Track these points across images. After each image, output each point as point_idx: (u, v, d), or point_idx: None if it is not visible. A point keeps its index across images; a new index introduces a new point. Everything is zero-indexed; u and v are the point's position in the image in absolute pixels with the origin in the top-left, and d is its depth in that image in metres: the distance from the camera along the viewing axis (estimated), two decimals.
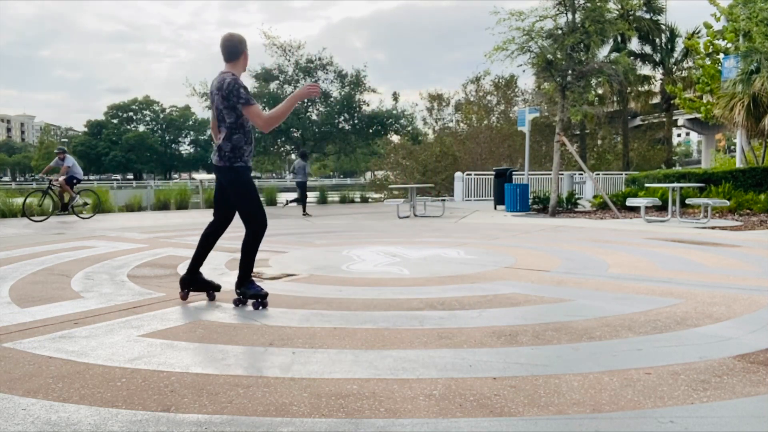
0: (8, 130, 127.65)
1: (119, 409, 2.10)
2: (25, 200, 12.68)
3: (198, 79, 30.10)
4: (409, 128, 21.53)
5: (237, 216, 3.78)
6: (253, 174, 3.82)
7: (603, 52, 24.05)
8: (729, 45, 16.13)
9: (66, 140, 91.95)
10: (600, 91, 26.95)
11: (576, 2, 11.56)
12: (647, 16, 28.05)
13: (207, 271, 5.20)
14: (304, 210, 14.05)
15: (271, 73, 19.23)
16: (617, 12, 12.91)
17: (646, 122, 33.38)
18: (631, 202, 10.91)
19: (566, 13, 11.69)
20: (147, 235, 8.34)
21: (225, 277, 4.82)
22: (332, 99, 19.57)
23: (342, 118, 19.79)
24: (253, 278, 3.79)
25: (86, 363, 2.63)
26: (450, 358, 2.67)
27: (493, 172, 16.43)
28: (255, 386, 2.32)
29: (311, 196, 22.82)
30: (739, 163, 15.57)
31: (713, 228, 8.90)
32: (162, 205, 16.40)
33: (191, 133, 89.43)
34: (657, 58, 29.06)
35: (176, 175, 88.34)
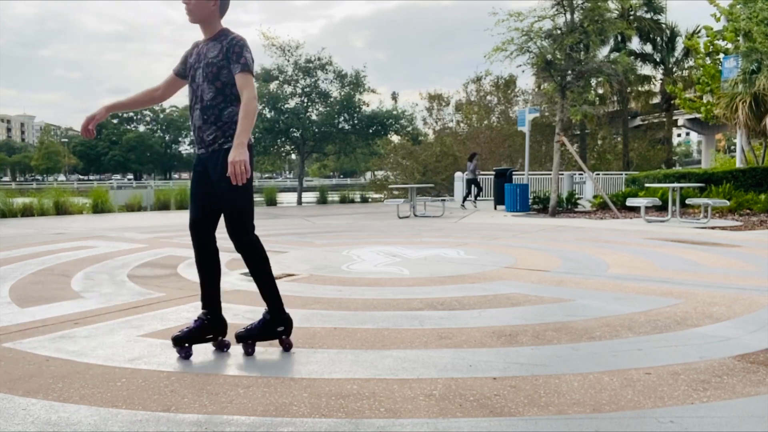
0: (8, 130, 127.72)
1: (119, 409, 2.10)
2: None
3: None
4: (409, 128, 21.52)
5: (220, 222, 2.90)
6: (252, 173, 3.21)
7: (603, 51, 24.11)
8: (729, 45, 16.13)
9: (66, 140, 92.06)
10: (600, 91, 27.00)
11: (575, 2, 11.55)
12: (647, 15, 28.05)
13: None
14: (463, 202, 16.30)
15: (270, 73, 19.23)
16: (617, 11, 12.91)
17: (646, 122, 33.40)
18: (631, 202, 10.91)
19: (565, 13, 11.69)
20: (147, 235, 8.34)
21: (225, 277, 4.81)
22: (332, 99, 19.57)
23: (342, 118, 19.79)
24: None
25: (86, 363, 2.62)
26: (450, 358, 2.67)
27: (493, 173, 16.44)
28: (255, 386, 2.32)
29: (311, 196, 22.84)
30: (739, 163, 15.57)
31: (713, 228, 8.90)
32: (162, 205, 16.41)
33: (191, 133, 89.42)
34: (657, 57, 29.08)
35: (176, 175, 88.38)
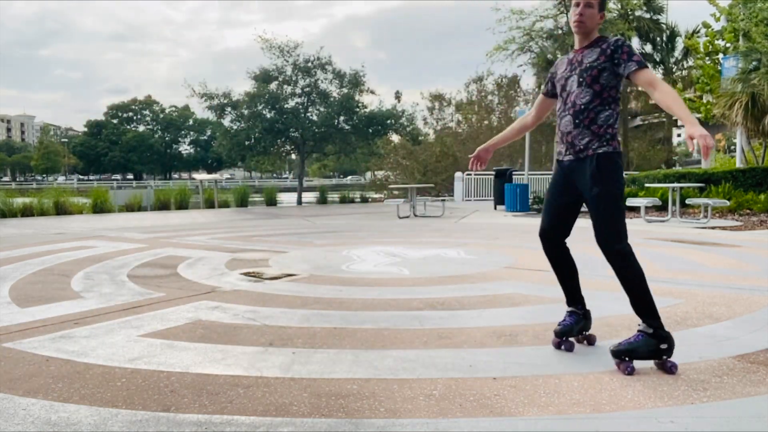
0: (8, 130, 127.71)
1: (119, 409, 2.10)
2: None
3: (197, 80, 30.21)
4: (410, 128, 21.51)
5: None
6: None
7: None
8: (728, 45, 16.13)
9: (66, 140, 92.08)
10: None
11: None
12: (647, 15, 28.04)
13: (207, 271, 5.20)
14: None
15: (270, 74, 19.24)
16: (617, 12, 12.92)
17: (646, 122, 33.38)
18: (631, 202, 10.90)
19: (567, 13, 11.69)
20: (147, 235, 8.34)
21: (225, 277, 4.82)
22: (331, 99, 19.58)
23: (341, 118, 19.80)
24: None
25: (86, 363, 2.63)
26: (450, 358, 2.67)
27: (493, 172, 16.43)
28: (255, 386, 2.32)
29: (311, 196, 22.85)
30: (739, 163, 15.56)
31: (713, 228, 8.90)
32: (162, 205, 16.40)
33: (191, 133, 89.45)
34: (657, 57, 29.04)
35: (176, 175, 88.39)
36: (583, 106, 2.64)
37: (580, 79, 2.66)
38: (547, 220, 2.81)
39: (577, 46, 2.77)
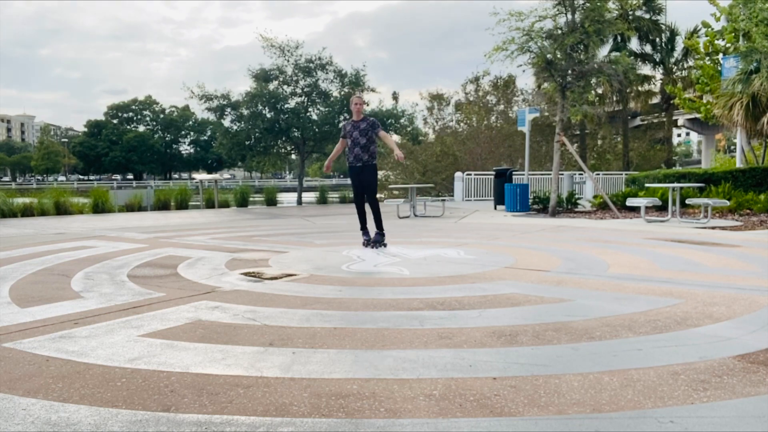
0: (8, 130, 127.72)
1: (119, 409, 2.10)
2: None
3: (197, 79, 30.26)
4: (410, 128, 21.49)
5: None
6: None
7: (603, 51, 24.08)
8: (728, 45, 16.12)
9: (66, 140, 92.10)
10: (600, 91, 26.96)
11: (575, 2, 11.55)
12: (647, 16, 28.05)
13: (207, 271, 5.21)
14: None
15: (269, 73, 19.22)
16: (617, 12, 12.87)
17: (646, 122, 33.37)
18: (631, 202, 10.91)
19: (566, 14, 11.68)
20: (147, 235, 8.34)
21: (225, 277, 4.82)
22: (332, 98, 19.56)
23: (342, 117, 19.79)
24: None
25: (86, 363, 2.63)
26: (450, 358, 2.67)
27: (493, 172, 16.43)
28: (255, 386, 2.32)
29: (311, 196, 22.85)
30: (739, 163, 15.56)
31: (713, 228, 8.90)
32: (162, 205, 16.40)
33: (191, 133, 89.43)
34: (657, 57, 29.06)
35: (176, 175, 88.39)
36: (363, 145, 6.48)
37: (360, 134, 6.47)
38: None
39: (355, 119, 6.56)
